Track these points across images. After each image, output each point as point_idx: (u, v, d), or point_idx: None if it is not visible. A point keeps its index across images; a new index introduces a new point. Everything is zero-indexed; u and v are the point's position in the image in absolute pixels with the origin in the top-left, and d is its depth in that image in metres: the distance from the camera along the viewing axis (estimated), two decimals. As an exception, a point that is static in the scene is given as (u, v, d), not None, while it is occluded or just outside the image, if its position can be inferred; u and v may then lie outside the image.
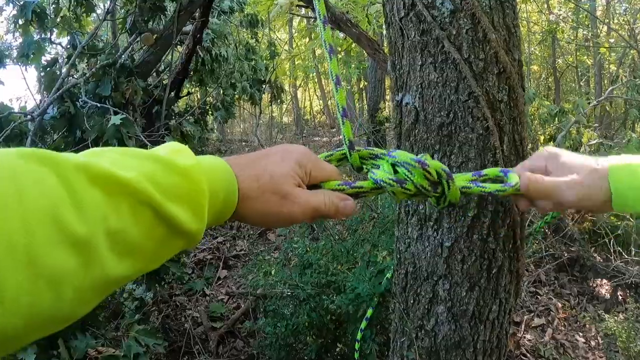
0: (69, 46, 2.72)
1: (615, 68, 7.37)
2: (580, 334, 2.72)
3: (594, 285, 3.22)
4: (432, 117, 0.98)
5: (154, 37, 2.76)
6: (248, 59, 4.65)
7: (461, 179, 0.66)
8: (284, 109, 12.59)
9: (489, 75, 0.94)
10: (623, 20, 7.67)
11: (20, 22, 2.56)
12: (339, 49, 5.64)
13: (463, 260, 1.03)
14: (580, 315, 2.81)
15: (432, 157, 1.01)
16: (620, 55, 6.82)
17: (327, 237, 2.52)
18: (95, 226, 0.33)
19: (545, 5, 7.84)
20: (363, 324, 1.27)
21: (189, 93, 4.86)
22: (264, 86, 4.97)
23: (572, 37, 8.19)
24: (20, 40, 2.62)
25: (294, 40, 9.83)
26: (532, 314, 2.83)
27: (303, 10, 5.03)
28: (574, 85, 9.70)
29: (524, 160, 0.69)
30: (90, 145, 2.08)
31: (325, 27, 0.61)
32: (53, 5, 2.71)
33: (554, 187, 0.60)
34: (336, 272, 1.98)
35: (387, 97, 6.46)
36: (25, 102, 6.25)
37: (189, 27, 3.35)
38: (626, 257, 3.15)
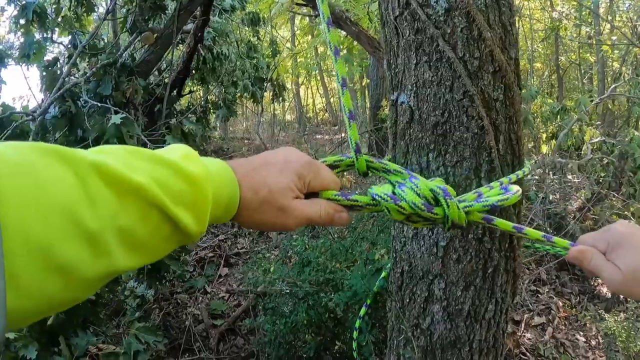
0: (69, 46, 2.74)
1: (618, 66, 7.32)
2: (581, 333, 2.71)
3: (595, 284, 3.21)
4: (427, 116, 0.98)
5: (155, 36, 2.77)
6: (250, 57, 4.65)
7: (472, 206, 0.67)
8: (287, 107, 12.58)
9: (484, 74, 0.94)
10: (626, 17, 7.63)
11: (22, 22, 2.57)
12: (341, 47, 5.63)
13: (458, 260, 1.03)
14: (581, 315, 2.80)
15: (427, 156, 1.01)
16: (623, 53, 6.77)
17: (326, 235, 2.52)
18: (107, 223, 0.36)
19: (548, 2, 7.79)
20: (357, 323, 1.28)
21: (190, 91, 4.88)
22: (265, 84, 4.98)
23: (575, 35, 8.15)
24: (21, 40, 2.64)
25: (297, 38, 9.82)
26: (532, 313, 2.83)
27: (304, 9, 5.01)
28: (577, 82, 9.64)
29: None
30: (90, 144, 2.09)
31: (329, 29, 0.60)
32: (54, 5, 2.73)
33: (595, 272, 0.61)
34: (334, 270, 1.99)
35: (389, 95, 6.42)
36: (28, 102, 6.28)
37: (189, 26, 3.36)
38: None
